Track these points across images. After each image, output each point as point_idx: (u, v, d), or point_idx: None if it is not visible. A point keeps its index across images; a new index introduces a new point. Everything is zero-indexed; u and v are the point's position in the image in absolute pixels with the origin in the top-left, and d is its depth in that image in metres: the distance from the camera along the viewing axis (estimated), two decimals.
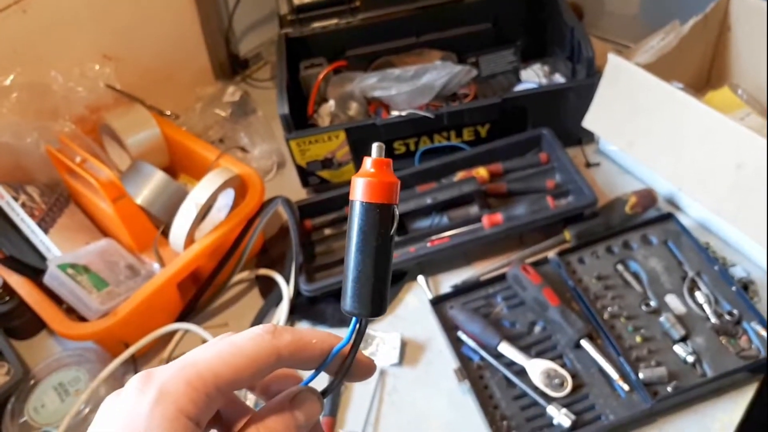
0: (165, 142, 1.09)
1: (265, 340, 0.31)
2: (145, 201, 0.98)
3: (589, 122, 1.06)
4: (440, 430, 0.82)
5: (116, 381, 0.87)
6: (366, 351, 0.91)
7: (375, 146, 0.32)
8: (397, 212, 0.32)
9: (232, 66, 1.37)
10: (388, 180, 0.31)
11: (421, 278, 0.98)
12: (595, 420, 0.80)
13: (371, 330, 0.93)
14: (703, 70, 1.19)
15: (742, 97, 1.11)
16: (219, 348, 0.30)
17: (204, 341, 0.93)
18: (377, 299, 0.32)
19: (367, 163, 0.32)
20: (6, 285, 0.90)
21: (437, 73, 1.08)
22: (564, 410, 0.79)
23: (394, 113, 1.06)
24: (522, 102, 1.06)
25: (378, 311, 0.32)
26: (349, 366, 0.33)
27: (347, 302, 0.32)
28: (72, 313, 0.90)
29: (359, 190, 0.31)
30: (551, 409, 0.79)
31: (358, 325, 0.33)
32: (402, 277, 0.99)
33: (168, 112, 1.18)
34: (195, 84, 1.29)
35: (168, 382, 0.28)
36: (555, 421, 0.79)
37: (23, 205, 0.96)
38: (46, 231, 0.95)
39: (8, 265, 0.89)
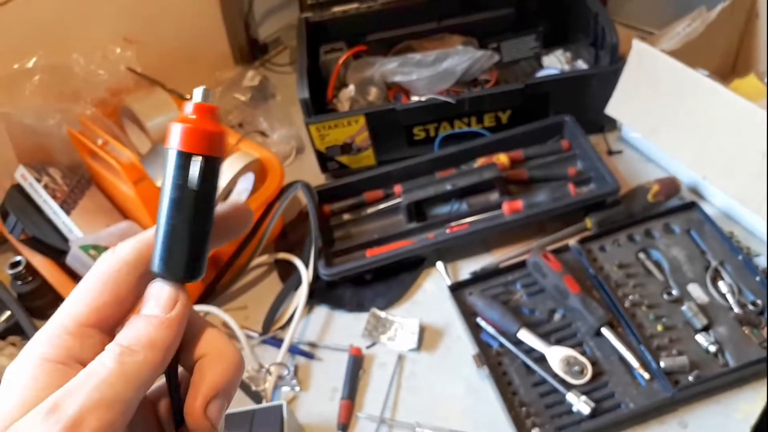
0: None
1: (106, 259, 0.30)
2: None
3: (612, 109, 1.05)
4: (458, 415, 0.82)
5: None
6: (384, 336, 0.91)
7: (198, 90, 0.29)
8: (220, 167, 0.29)
9: (251, 50, 1.36)
10: (211, 128, 0.28)
11: (440, 264, 0.98)
12: (614, 408, 0.79)
13: (390, 315, 0.93)
14: (729, 58, 1.17)
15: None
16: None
17: (224, 324, 0.93)
18: (191, 262, 0.29)
19: (188, 107, 0.29)
20: (29, 265, 0.91)
21: (458, 58, 1.07)
22: (583, 398, 0.78)
23: (414, 98, 1.06)
24: (545, 88, 1.05)
25: (192, 275, 0.30)
26: None
27: (155, 263, 0.29)
28: None
29: (176, 138, 0.28)
30: (570, 397, 0.79)
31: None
32: (421, 264, 0.99)
33: (188, 96, 1.18)
34: (215, 68, 1.29)
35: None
36: (574, 408, 0.79)
37: (45, 187, 0.97)
38: (68, 212, 0.95)
39: (31, 245, 0.90)
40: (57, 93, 1.01)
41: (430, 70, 1.07)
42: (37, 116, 0.98)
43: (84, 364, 0.27)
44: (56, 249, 0.90)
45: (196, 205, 0.29)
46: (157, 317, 0.29)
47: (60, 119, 1.00)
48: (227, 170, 0.91)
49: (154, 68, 1.12)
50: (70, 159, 1.05)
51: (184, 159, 0.28)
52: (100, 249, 0.88)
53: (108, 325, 0.30)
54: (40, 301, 0.94)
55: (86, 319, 0.29)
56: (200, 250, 0.30)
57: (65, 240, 0.93)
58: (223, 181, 0.90)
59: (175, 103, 1.09)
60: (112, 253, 0.30)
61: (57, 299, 0.91)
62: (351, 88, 1.10)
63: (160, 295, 0.29)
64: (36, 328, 0.92)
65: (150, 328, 0.28)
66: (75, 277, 0.88)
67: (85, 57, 1.03)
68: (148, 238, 0.30)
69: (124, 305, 0.30)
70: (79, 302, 0.29)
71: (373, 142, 1.06)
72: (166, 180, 0.29)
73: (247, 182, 0.98)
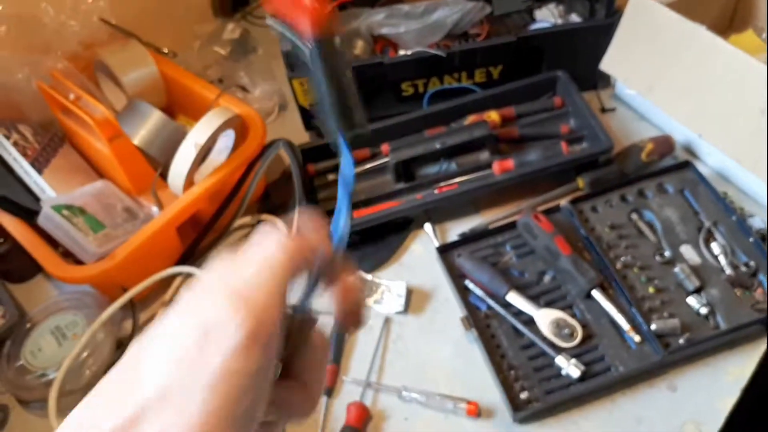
0: (162, 81, 1.05)
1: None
2: (143, 141, 0.94)
3: (606, 65, 1.01)
4: (445, 378, 0.81)
5: (114, 325, 0.85)
6: (371, 299, 0.89)
7: None
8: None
9: (231, 2, 1.30)
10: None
11: (428, 226, 0.95)
12: (604, 371, 0.78)
13: (376, 278, 0.90)
14: (726, 12, 1.13)
15: (766, 40, 1.06)
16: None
17: None
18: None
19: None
20: (0, 227, 0.87)
21: (449, 9, 1.02)
22: (573, 360, 0.77)
23: (403, 52, 1.01)
24: (538, 42, 1.01)
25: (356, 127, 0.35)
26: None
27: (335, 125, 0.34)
28: (69, 257, 0.88)
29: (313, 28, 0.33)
30: (560, 360, 0.78)
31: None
32: (408, 225, 0.96)
33: (165, 50, 1.13)
34: (193, 21, 1.23)
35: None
36: (563, 372, 0.77)
37: (15, 144, 0.93)
38: (39, 171, 0.91)
39: (1, 206, 0.86)
40: (25, 45, 0.96)
41: (419, 22, 1.02)
42: (4, 69, 0.93)
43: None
44: (28, 210, 0.86)
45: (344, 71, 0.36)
46: (313, 237, 0.31)
47: (29, 73, 0.95)
48: (206, 127, 0.86)
49: (129, 20, 1.06)
50: (41, 116, 1.00)
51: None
52: (73, 209, 0.85)
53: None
54: (12, 264, 0.91)
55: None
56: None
57: (37, 200, 0.89)
58: (202, 138, 0.86)
59: (152, 57, 1.03)
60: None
61: (30, 262, 0.87)
62: (336, 41, 1.05)
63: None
64: (8, 293, 0.90)
65: (312, 241, 0.31)
66: (47, 238, 0.84)
67: (55, 6, 0.97)
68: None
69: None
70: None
71: (359, 97, 1.01)
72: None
73: (227, 140, 0.94)
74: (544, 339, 0.80)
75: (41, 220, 0.82)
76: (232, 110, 0.91)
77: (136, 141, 0.93)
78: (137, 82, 1.02)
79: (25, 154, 0.92)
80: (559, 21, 1.10)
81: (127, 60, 1.03)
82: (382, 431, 0.77)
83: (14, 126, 0.96)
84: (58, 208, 0.83)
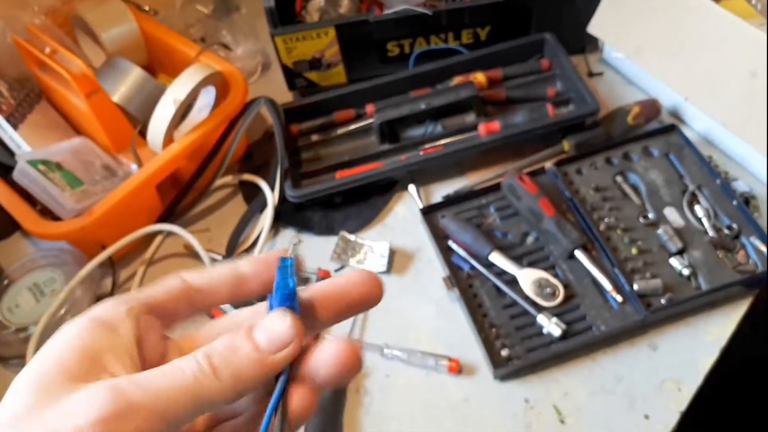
0: (143, 39, 1.02)
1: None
2: (122, 98, 0.92)
3: (594, 27, 1.00)
4: (428, 337, 0.81)
5: (93, 283, 0.84)
6: (354, 259, 0.88)
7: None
8: None
9: None
10: None
11: (412, 188, 0.94)
12: (586, 330, 0.78)
13: (360, 238, 0.90)
14: None
15: (756, 6, 1.05)
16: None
17: (186, 244, 0.89)
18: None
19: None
20: None
21: None
22: (554, 319, 0.77)
23: (389, 11, 0.99)
24: (526, 2, 0.99)
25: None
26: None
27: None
28: (47, 214, 0.86)
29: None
30: (541, 318, 0.78)
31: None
32: (392, 186, 0.95)
33: (146, 8, 1.10)
34: None
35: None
36: (545, 330, 0.77)
37: None
38: (15, 127, 0.89)
39: None
40: None
41: None
42: None
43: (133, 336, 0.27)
44: (3, 165, 0.84)
45: None
46: (260, 352, 0.26)
47: (4, 27, 0.93)
48: (186, 82, 0.85)
49: None
50: (17, 71, 0.98)
51: None
52: (50, 164, 0.83)
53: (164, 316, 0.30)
54: None
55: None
56: None
57: (12, 155, 0.87)
58: (181, 94, 0.84)
59: (132, 14, 1.01)
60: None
61: (6, 220, 0.85)
62: None
63: (274, 327, 0.27)
64: None
65: (246, 359, 0.26)
66: (23, 194, 0.83)
67: None
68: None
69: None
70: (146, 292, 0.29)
71: (343, 57, 1.00)
72: None
73: (208, 97, 0.92)
74: (526, 298, 0.80)
75: (16, 175, 0.81)
76: (213, 66, 0.90)
77: (116, 98, 0.91)
78: (117, 39, 1.00)
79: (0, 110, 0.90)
80: None
81: (107, 16, 1.00)
82: (363, 388, 0.77)
83: None
84: (33, 163, 0.81)
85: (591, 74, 1.05)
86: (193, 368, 0.25)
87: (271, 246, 0.91)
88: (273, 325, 0.27)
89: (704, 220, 0.85)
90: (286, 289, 0.29)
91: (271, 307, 0.28)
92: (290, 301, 0.28)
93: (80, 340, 0.26)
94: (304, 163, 0.97)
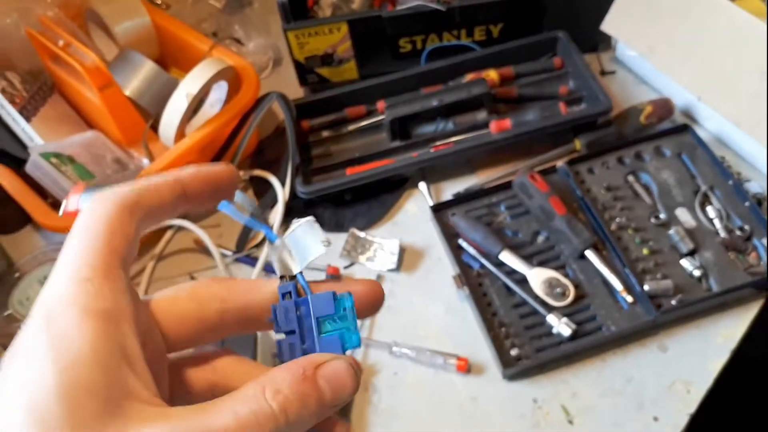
0: (155, 33, 1.02)
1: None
2: (134, 92, 0.92)
3: (608, 26, 0.99)
4: (437, 335, 0.81)
5: None
6: (363, 256, 0.88)
7: None
8: None
9: None
10: None
11: (422, 185, 0.94)
12: (595, 330, 0.78)
13: (369, 236, 0.90)
14: None
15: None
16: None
17: (196, 239, 0.90)
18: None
19: None
20: None
21: None
22: (564, 319, 0.77)
23: (402, 6, 0.99)
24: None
25: None
26: None
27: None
28: (59, 207, 0.86)
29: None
30: (551, 318, 0.77)
31: None
32: (403, 184, 0.95)
33: (159, 1, 1.11)
34: None
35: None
36: (555, 330, 0.77)
37: (3, 92, 0.91)
38: (28, 119, 0.90)
39: None
40: None
41: None
42: None
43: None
44: (15, 158, 0.85)
45: None
46: (324, 408, 0.24)
47: (17, 18, 0.93)
48: (199, 76, 0.85)
49: None
50: (30, 63, 0.98)
51: None
52: (62, 157, 0.83)
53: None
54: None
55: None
56: None
57: (25, 148, 0.88)
58: (194, 88, 0.84)
59: (144, 7, 1.01)
60: (112, 193, 0.26)
61: (18, 212, 0.86)
62: None
63: (337, 372, 0.25)
64: None
65: (312, 416, 0.24)
66: (35, 187, 0.83)
67: None
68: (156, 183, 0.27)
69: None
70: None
71: (355, 53, 0.99)
72: None
73: (220, 92, 0.92)
74: (536, 298, 0.80)
75: (29, 168, 0.81)
76: (226, 61, 0.90)
77: (128, 91, 0.92)
78: (129, 33, 1.00)
79: (12, 102, 0.90)
80: None
81: (120, 9, 1.00)
82: (372, 386, 0.78)
83: (1, 73, 0.94)
84: (46, 156, 0.81)
85: (603, 73, 1.05)
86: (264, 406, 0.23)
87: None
88: (340, 378, 0.25)
89: (716, 221, 0.85)
90: (351, 344, 0.26)
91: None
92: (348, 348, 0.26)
93: (95, 354, 0.22)
94: (315, 160, 0.97)
